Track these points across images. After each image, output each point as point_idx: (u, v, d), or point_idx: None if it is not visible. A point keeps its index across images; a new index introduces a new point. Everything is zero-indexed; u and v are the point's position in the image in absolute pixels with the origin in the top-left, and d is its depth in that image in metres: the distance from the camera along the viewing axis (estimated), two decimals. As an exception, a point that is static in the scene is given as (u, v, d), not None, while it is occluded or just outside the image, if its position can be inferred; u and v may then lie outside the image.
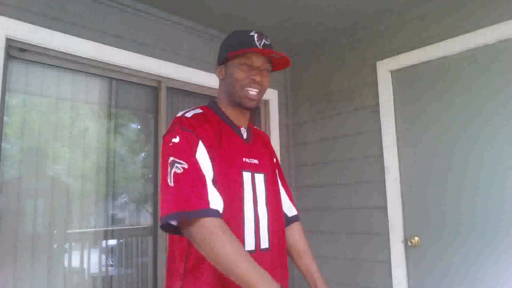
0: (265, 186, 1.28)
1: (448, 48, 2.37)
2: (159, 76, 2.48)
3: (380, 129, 2.64)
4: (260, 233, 1.21)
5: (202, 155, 1.13)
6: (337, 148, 2.90)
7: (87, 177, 2.24)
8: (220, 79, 1.33)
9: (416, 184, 2.47)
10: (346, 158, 2.83)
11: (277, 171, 1.46)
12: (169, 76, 2.51)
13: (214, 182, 1.12)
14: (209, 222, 1.03)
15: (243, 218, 1.18)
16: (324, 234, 2.88)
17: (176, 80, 2.57)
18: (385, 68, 2.66)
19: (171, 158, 1.11)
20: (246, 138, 1.31)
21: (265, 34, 1.30)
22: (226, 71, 1.29)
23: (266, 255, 1.21)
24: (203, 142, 1.15)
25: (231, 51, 1.25)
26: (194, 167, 1.10)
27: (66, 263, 2.12)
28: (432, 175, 2.40)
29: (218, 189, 1.11)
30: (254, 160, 1.28)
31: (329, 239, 2.84)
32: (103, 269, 2.26)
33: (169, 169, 1.10)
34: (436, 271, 2.33)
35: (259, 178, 1.27)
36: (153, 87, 2.51)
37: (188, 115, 1.22)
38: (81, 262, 2.19)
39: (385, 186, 2.58)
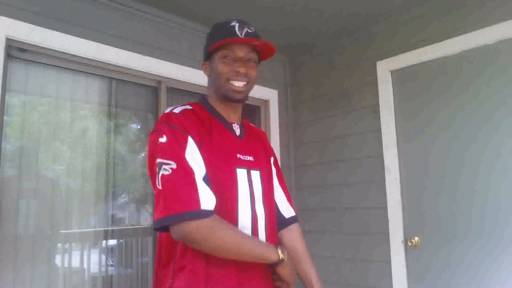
0: (261, 183, 1.22)
1: (448, 48, 2.37)
2: (159, 76, 2.48)
3: (380, 129, 2.64)
4: (259, 234, 1.17)
5: (192, 152, 1.08)
6: (337, 148, 2.90)
7: (87, 177, 2.24)
8: (207, 76, 1.28)
9: (416, 184, 2.47)
10: (346, 158, 2.83)
11: (275, 170, 1.40)
12: (169, 76, 2.51)
13: (206, 180, 1.08)
14: (204, 223, 1.01)
15: (236, 219, 1.13)
16: (324, 234, 2.88)
17: (176, 80, 2.57)
18: (385, 68, 2.66)
19: (158, 160, 1.06)
20: (239, 135, 1.26)
21: (248, 22, 1.23)
22: (211, 66, 1.24)
23: None
24: (193, 138, 1.10)
25: (212, 45, 1.19)
26: (182, 166, 1.04)
27: (66, 263, 2.12)
28: (432, 175, 2.40)
29: (211, 188, 1.08)
30: (248, 157, 1.22)
31: (329, 239, 2.84)
32: (103, 269, 2.26)
33: (157, 172, 1.06)
34: (436, 271, 2.33)
35: (255, 175, 1.22)
36: (153, 87, 2.51)
37: (176, 110, 1.17)
38: (81, 262, 2.19)
39: (385, 186, 2.58)
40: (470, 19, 2.30)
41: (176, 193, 1.02)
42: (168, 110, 1.18)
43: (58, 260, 2.10)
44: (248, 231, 1.14)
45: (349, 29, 2.82)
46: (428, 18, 2.49)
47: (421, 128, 2.48)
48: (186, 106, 1.22)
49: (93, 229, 2.25)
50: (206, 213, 1.02)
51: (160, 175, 1.05)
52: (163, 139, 1.08)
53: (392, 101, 2.62)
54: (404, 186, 2.51)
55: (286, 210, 1.40)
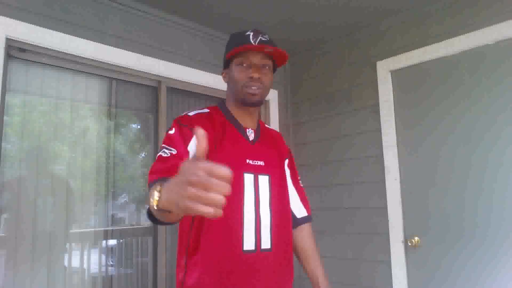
0: (269, 188, 1.28)
1: (448, 48, 2.37)
2: (159, 76, 2.48)
3: (380, 129, 2.64)
4: (262, 234, 1.23)
5: (193, 147, 1.14)
6: (337, 148, 2.90)
7: (87, 177, 2.24)
8: (226, 82, 1.37)
9: (416, 184, 2.47)
10: (346, 158, 2.83)
11: (289, 171, 1.46)
12: (169, 76, 2.51)
13: None
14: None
15: (242, 219, 1.20)
16: (324, 234, 2.88)
17: (176, 80, 2.57)
18: (385, 68, 2.66)
19: (162, 145, 1.19)
20: (252, 140, 1.32)
21: (263, 31, 1.31)
22: (229, 74, 1.32)
23: (267, 255, 1.23)
24: None
25: (228, 53, 1.28)
26: (182, 154, 1.13)
27: (66, 263, 2.12)
28: (432, 175, 2.40)
29: None
30: (259, 162, 1.29)
31: (329, 239, 2.84)
32: (103, 269, 2.26)
33: (157, 154, 1.17)
34: (436, 271, 2.33)
35: (263, 180, 1.28)
36: (153, 87, 2.51)
37: (191, 113, 1.28)
38: (81, 262, 2.19)
39: (385, 186, 2.58)
40: (470, 19, 2.30)
41: (163, 164, 1.12)
42: (184, 113, 1.30)
43: (58, 260, 2.10)
44: (251, 233, 1.21)
45: (349, 29, 2.82)
46: (428, 18, 2.48)
47: (421, 128, 2.48)
48: (203, 110, 1.33)
49: (93, 229, 2.25)
50: None
51: (157, 155, 1.17)
52: (171, 131, 1.21)
53: (392, 101, 2.62)
54: (404, 186, 2.51)
55: (298, 210, 1.47)
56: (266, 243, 1.23)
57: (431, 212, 2.39)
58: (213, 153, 1.17)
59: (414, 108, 2.53)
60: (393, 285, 2.47)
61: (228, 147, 1.24)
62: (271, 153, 1.36)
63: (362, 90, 2.79)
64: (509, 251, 2.07)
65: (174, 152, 1.14)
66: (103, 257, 2.26)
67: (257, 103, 1.30)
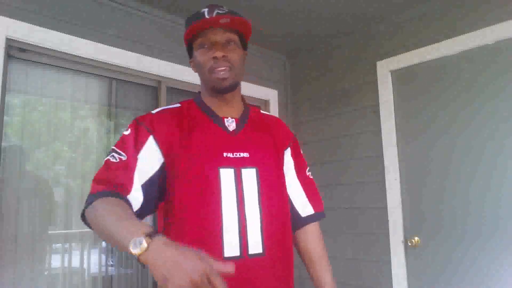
0: (257, 183, 1.11)
1: (447, 48, 2.37)
2: (159, 76, 2.48)
3: (380, 129, 2.64)
4: (249, 237, 1.06)
5: (148, 152, 1.07)
6: (337, 148, 2.90)
7: (87, 177, 2.24)
8: (195, 72, 1.20)
9: (416, 184, 2.47)
10: (346, 158, 2.83)
11: (293, 162, 1.28)
12: (169, 76, 2.51)
13: (179, 181, 1.06)
14: (94, 202, 0.96)
15: (221, 221, 1.04)
16: (324, 234, 2.87)
17: (176, 80, 2.57)
18: (385, 68, 2.66)
19: (112, 147, 1.08)
20: (234, 130, 1.15)
21: (220, 5, 1.16)
22: (194, 61, 1.18)
23: (258, 261, 1.06)
24: (156, 137, 1.08)
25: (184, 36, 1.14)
26: (132, 161, 1.04)
27: (66, 263, 2.12)
28: (432, 175, 2.40)
29: (187, 189, 1.05)
30: (242, 154, 1.11)
31: (329, 239, 2.83)
32: (103, 269, 2.26)
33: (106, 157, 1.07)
34: (436, 271, 2.33)
35: (249, 174, 1.10)
36: (153, 87, 2.51)
37: (154, 111, 1.16)
38: (81, 262, 2.19)
39: (385, 186, 2.58)
40: (470, 19, 2.30)
41: (107, 173, 1.03)
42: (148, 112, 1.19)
43: (58, 260, 2.10)
44: (234, 236, 1.05)
45: (349, 29, 2.82)
46: (428, 18, 2.49)
47: (421, 128, 2.48)
48: (172, 105, 1.20)
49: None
50: (114, 194, 0.98)
51: (105, 159, 1.07)
52: (126, 132, 1.10)
53: (392, 101, 2.62)
54: (404, 186, 2.51)
55: (303, 207, 1.29)
56: (256, 247, 1.06)
57: (431, 212, 2.39)
58: (181, 150, 1.07)
59: (414, 108, 2.52)
60: (393, 285, 2.47)
61: (198, 142, 1.09)
62: (262, 142, 1.18)
63: (362, 90, 2.79)
64: (509, 250, 2.07)
65: (124, 157, 1.04)
66: (103, 257, 2.26)
67: (230, 88, 1.14)
